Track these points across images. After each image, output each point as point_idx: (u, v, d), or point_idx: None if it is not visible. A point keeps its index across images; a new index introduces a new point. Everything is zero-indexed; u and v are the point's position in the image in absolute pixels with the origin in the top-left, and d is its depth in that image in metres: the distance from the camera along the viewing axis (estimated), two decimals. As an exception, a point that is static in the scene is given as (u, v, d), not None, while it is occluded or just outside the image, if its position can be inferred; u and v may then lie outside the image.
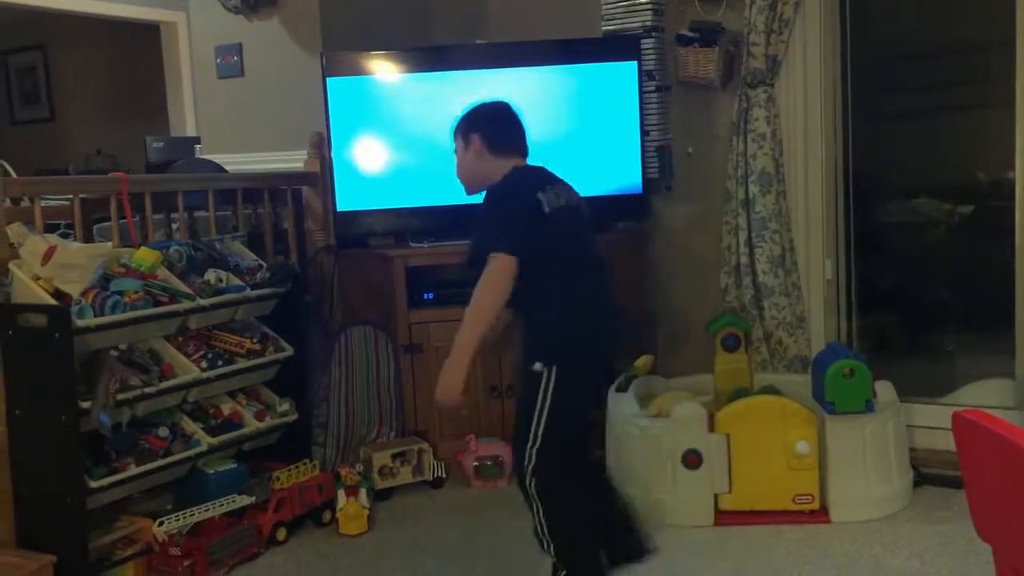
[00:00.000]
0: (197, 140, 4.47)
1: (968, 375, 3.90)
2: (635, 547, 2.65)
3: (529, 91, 3.67)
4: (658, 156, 3.94)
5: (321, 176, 3.87)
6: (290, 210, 3.81)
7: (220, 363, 3.11)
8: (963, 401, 3.69)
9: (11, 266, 2.78)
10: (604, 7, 3.95)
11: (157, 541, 2.85)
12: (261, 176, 3.83)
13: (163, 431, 2.95)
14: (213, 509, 2.95)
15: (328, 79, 3.72)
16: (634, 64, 3.79)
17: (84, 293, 2.73)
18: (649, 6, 3.86)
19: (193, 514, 2.91)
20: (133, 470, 2.83)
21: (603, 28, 3.96)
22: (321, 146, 3.84)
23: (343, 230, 3.86)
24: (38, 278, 2.75)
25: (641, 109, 3.80)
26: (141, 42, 5.58)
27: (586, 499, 2.54)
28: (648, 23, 3.88)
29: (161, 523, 2.85)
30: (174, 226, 3.42)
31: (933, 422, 3.49)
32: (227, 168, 3.93)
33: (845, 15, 3.83)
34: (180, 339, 3.09)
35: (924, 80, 4.41)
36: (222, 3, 4.15)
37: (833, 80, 3.82)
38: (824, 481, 3.16)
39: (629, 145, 3.81)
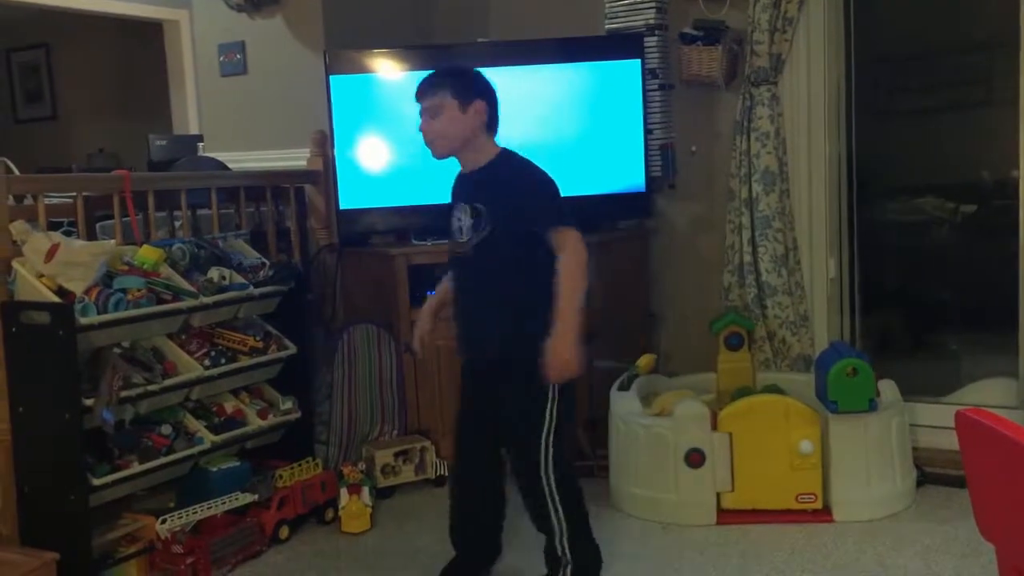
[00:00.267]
0: (200, 138, 4.47)
1: (972, 374, 3.89)
2: (490, 554, 2.78)
3: (532, 89, 3.66)
4: (661, 155, 3.94)
5: (324, 174, 3.87)
6: (293, 208, 3.81)
7: (223, 361, 3.11)
8: (966, 400, 3.69)
9: (14, 264, 2.78)
10: (607, 5, 3.94)
11: (160, 539, 2.85)
12: (264, 174, 3.83)
13: (166, 429, 2.96)
14: (216, 507, 2.96)
15: (331, 77, 3.72)
16: (637, 62, 3.78)
17: (87, 291, 2.73)
18: (653, 4, 3.86)
19: (196, 512, 2.91)
20: (136, 468, 2.83)
21: (606, 26, 3.95)
22: (324, 144, 3.84)
23: (346, 228, 3.85)
24: (41, 276, 2.76)
25: (644, 107, 3.79)
26: (144, 40, 5.58)
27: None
28: (651, 21, 3.87)
29: (164, 521, 2.85)
30: (177, 224, 3.42)
31: (936, 421, 3.48)
32: (230, 166, 3.93)
33: (849, 14, 3.83)
34: (183, 337, 3.10)
35: (928, 79, 4.40)
36: (225, 1, 4.15)
37: (837, 79, 3.82)
38: (827, 480, 3.16)
39: (632, 143, 3.80)
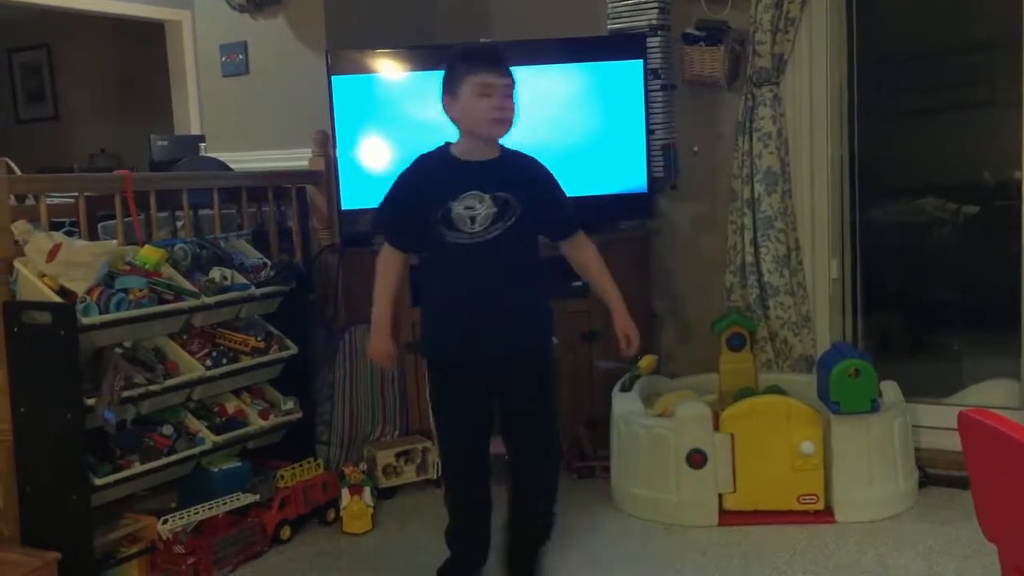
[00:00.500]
0: (202, 138, 4.47)
1: (974, 375, 3.89)
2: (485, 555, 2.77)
3: (534, 89, 3.65)
4: (663, 155, 3.93)
5: (326, 174, 3.87)
6: (295, 208, 3.81)
7: (224, 361, 3.11)
8: (969, 401, 3.68)
9: (16, 264, 2.78)
10: (610, 5, 3.94)
11: (161, 539, 2.85)
12: (266, 174, 3.83)
13: (167, 429, 2.96)
14: (217, 507, 2.96)
15: (333, 77, 3.72)
16: (640, 63, 3.78)
17: (89, 291, 2.73)
18: (655, 4, 3.85)
19: (197, 512, 2.91)
20: (137, 468, 2.83)
21: (609, 26, 3.95)
22: (326, 144, 3.84)
23: (347, 228, 3.86)
24: (43, 276, 2.76)
25: (646, 108, 3.79)
26: (146, 40, 5.58)
27: None
28: (654, 21, 3.87)
29: (165, 521, 2.85)
30: (179, 224, 3.42)
31: (939, 422, 3.48)
32: (232, 166, 3.93)
33: (852, 14, 3.82)
34: (184, 337, 3.10)
35: (930, 79, 4.40)
36: (227, 1, 4.15)
37: (839, 79, 3.82)
38: (829, 481, 3.15)
39: (634, 144, 3.80)
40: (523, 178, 2.52)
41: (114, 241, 3.03)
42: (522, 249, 2.53)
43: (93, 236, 3.07)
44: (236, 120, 4.29)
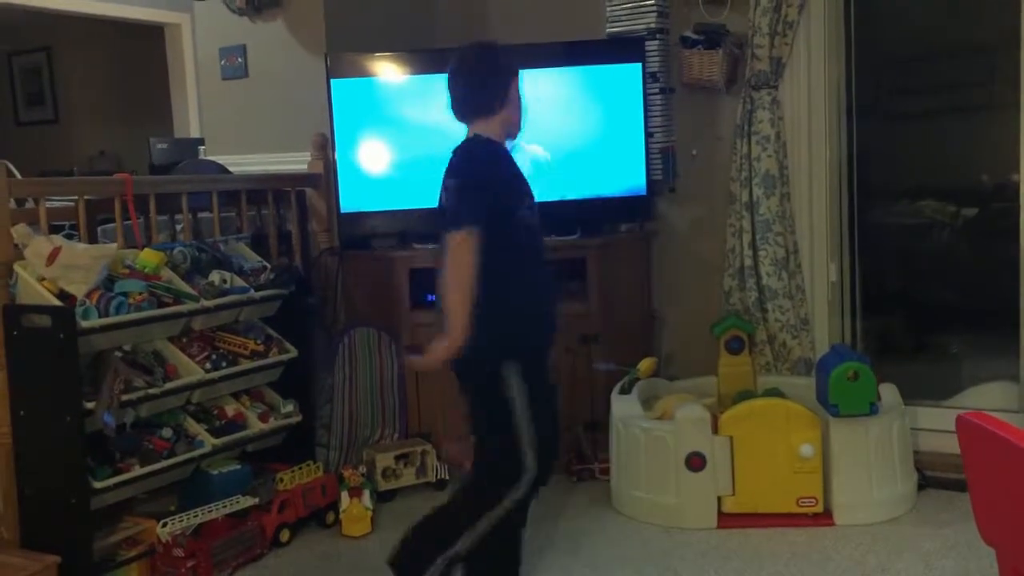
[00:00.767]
0: (201, 141, 4.48)
1: (973, 378, 3.89)
2: None
3: (533, 93, 3.65)
4: (662, 158, 3.94)
5: (325, 177, 3.87)
6: (294, 211, 3.81)
7: (224, 364, 3.11)
8: (967, 404, 3.68)
9: (16, 267, 2.78)
10: (608, 9, 3.95)
11: (161, 542, 2.85)
12: (265, 177, 3.83)
13: (167, 432, 2.96)
14: (217, 510, 2.96)
15: (332, 80, 3.73)
16: (638, 66, 3.79)
17: (88, 294, 2.74)
18: (654, 8, 3.86)
19: (197, 515, 2.91)
20: (137, 471, 2.83)
21: (607, 30, 3.96)
22: (325, 147, 3.85)
23: (347, 231, 3.86)
24: (43, 279, 2.76)
25: (645, 111, 3.80)
26: (145, 44, 5.59)
27: None
28: (652, 25, 3.88)
29: (165, 524, 2.85)
30: (178, 227, 3.42)
31: (937, 425, 3.48)
32: (231, 169, 3.93)
33: (849, 17, 3.83)
34: (184, 340, 3.10)
35: (929, 82, 4.40)
36: (226, 5, 4.15)
37: (837, 82, 3.82)
38: (828, 484, 3.16)
39: (633, 147, 3.81)
40: None
41: (114, 244, 3.03)
42: None
43: (93, 239, 3.07)
44: (235, 123, 4.29)
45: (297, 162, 3.96)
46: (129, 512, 2.98)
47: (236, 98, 4.27)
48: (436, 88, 3.80)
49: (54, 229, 2.99)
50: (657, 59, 3.89)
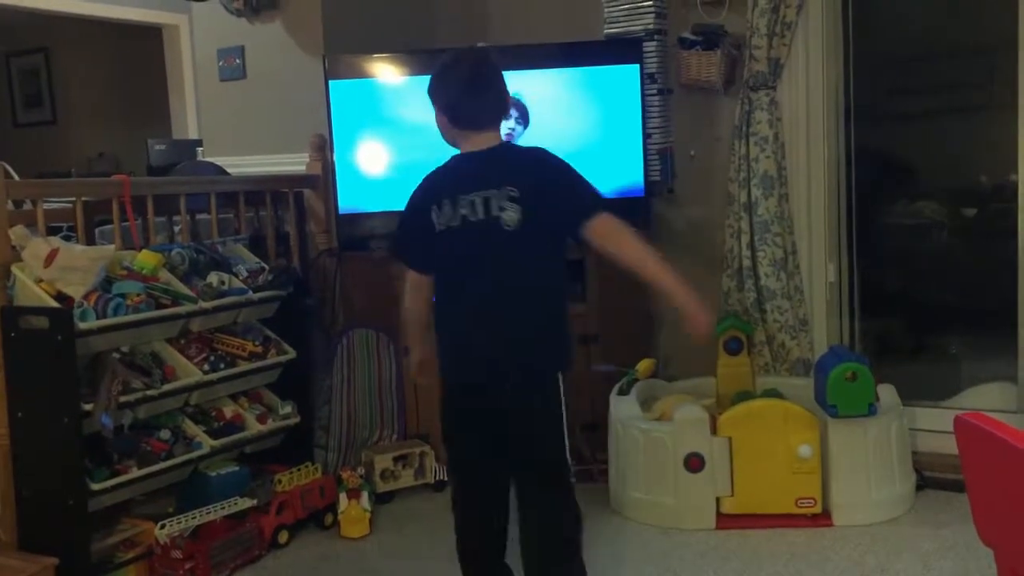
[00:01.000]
0: (199, 143, 4.47)
1: (971, 378, 3.89)
2: None
3: (531, 94, 3.67)
4: (660, 159, 3.94)
5: (323, 178, 3.87)
6: (292, 213, 3.81)
7: (222, 366, 3.11)
8: (966, 404, 3.68)
9: (13, 269, 2.78)
10: (606, 10, 3.94)
11: (159, 544, 2.85)
12: (263, 179, 3.83)
13: (165, 434, 2.95)
14: (215, 512, 2.96)
15: (330, 82, 3.72)
16: (636, 67, 3.78)
17: (86, 296, 2.73)
18: (651, 9, 3.86)
19: (195, 517, 2.91)
20: (135, 472, 2.83)
21: (605, 31, 3.96)
22: (323, 148, 3.85)
23: (345, 232, 3.86)
24: (40, 281, 2.76)
25: (643, 112, 3.79)
26: (143, 45, 5.58)
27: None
28: (650, 26, 3.87)
29: (163, 526, 2.85)
30: (176, 229, 3.42)
31: (936, 426, 3.48)
32: (229, 171, 3.93)
33: (848, 18, 3.83)
34: (182, 342, 3.10)
35: (927, 83, 4.40)
36: (224, 6, 4.15)
37: (835, 83, 3.82)
38: (826, 485, 3.16)
39: (631, 148, 3.80)
40: None
41: (112, 246, 3.03)
42: None
43: (91, 241, 3.07)
44: (233, 124, 4.29)
45: (295, 163, 3.96)
46: (127, 514, 2.98)
47: (234, 99, 4.27)
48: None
49: (52, 231, 2.99)
50: (655, 60, 3.89)
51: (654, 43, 3.88)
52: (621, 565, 2.94)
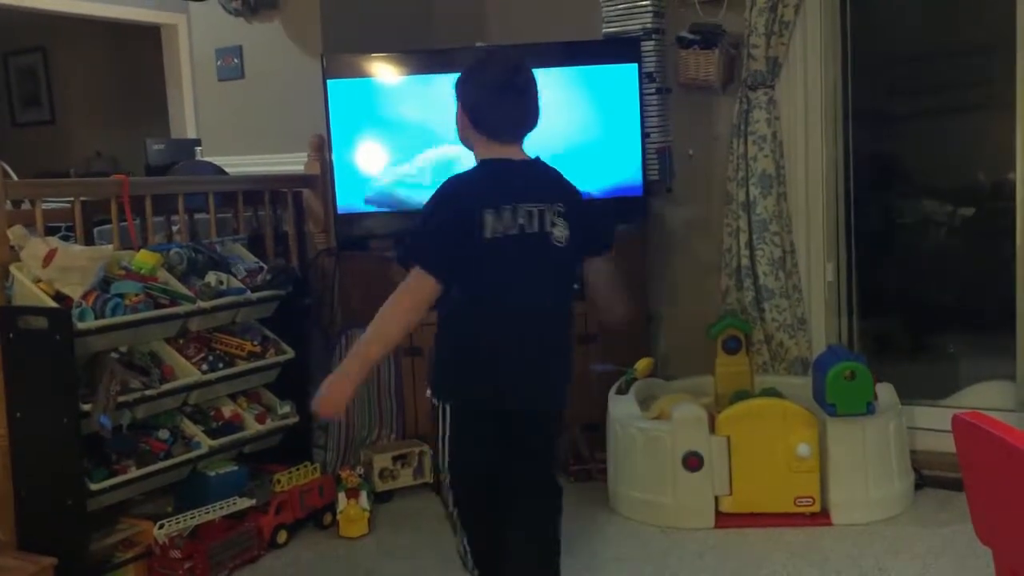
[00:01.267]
0: (197, 142, 4.46)
1: (969, 377, 3.89)
2: None
3: (530, 93, 3.66)
4: (658, 158, 3.94)
5: (322, 178, 3.87)
6: (291, 212, 3.81)
7: (221, 365, 3.11)
8: (964, 403, 3.68)
9: (12, 269, 2.78)
10: (604, 9, 3.94)
11: (158, 543, 2.85)
12: (262, 178, 3.83)
13: (164, 433, 2.95)
14: (214, 512, 2.95)
15: (328, 81, 3.72)
16: (634, 66, 3.78)
17: (85, 295, 2.73)
18: (650, 8, 3.86)
19: (194, 516, 2.91)
20: (134, 472, 2.83)
21: (603, 30, 3.96)
22: (322, 148, 3.84)
23: (344, 232, 3.85)
24: (39, 281, 2.76)
25: (641, 111, 3.79)
26: (142, 44, 5.57)
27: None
28: (648, 25, 3.88)
29: (162, 525, 2.85)
30: (174, 228, 3.42)
31: (934, 424, 3.48)
32: (228, 170, 3.93)
33: (846, 17, 3.83)
34: (181, 341, 3.09)
35: (925, 82, 4.40)
36: (222, 5, 4.15)
37: (834, 82, 3.83)
38: (825, 483, 3.16)
39: (629, 147, 3.80)
40: None
41: (110, 246, 3.03)
42: None
43: (89, 241, 3.07)
44: (232, 124, 4.29)
45: (294, 163, 3.96)
46: (126, 514, 2.98)
47: (233, 99, 4.27)
48: (433, 89, 3.82)
49: (50, 231, 2.99)
50: (653, 59, 3.89)
51: (652, 42, 3.89)
52: (619, 564, 2.94)
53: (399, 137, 3.76)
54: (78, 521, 2.70)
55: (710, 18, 3.81)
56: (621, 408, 3.37)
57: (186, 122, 5.02)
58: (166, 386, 2.93)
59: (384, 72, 3.80)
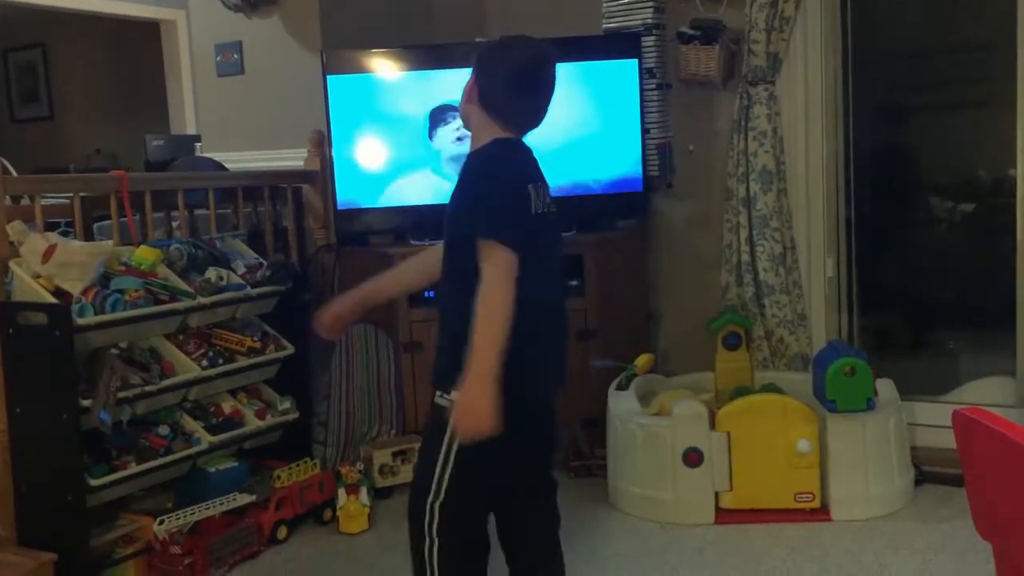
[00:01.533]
0: (197, 138, 4.46)
1: (969, 373, 3.89)
2: None
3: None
4: (659, 154, 3.94)
5: (321, 174, 3.87)
6: (290, 208, 3.81)
7: (221, 361, 3.10)
8: (964, 399, 3.69)
9: (11, 264, 2.78)
10: (605, 5, 3.94)
11: (158, 539, 2.85)
12: (261, 174, 3.82)
13: (163, 429, 2.96)
14: (214, 507, 2.95)
15: (328, 77, 3.72)
16: (635, 62, 3.78)
17: (84, 291, 2.73)
18: (650, 4, 3.85)
19: (194, 512, 2.91)
20: (133, 468, 2.83)
21: (604, 26, 3.95)
22: (321, 144, 3.84)
23: (343, 228, 3.85)
24: (38, 276, 2.75)
25: (642, 107, 3.79)
26: (141, 40, 5.56)
27: None
28: (649, 21, 3.87)
29: (162, 521, 2.85)
30: (174, 224, 3.41)
31: (934, 420, 3.49)
32: (227, 166, 3.92)
33: (846, 12, 3.83)
34: (181, 337, 3.09)
35: (926, 78, 4.40)
36: (222, 1, 4.14)
37: (834, 77, 3.82)
38: (825, 479, 3.16)
39: (630, 143, 3.80)
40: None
41: (110, 242, 3.03)
42: (446, 270, 2.16)
43: (89, 237, 3.06)
44: (232, 120, 4.28)
45: (294, 158, 3.95)
46: (126, 509, 2.98)
47: (232, 95, 4.26)
48: (433, 84, 3.82)
49: (50, 226, 2.98)
50: (654, 55, 3.89)
51: (653, 38, 3.88)
52: (619, 560, 2.94)
53: (399, 133, 3.75)
54: (78, 517, 2.70)
55: (711, 14, 3.80)
56: (621, 404, 3.37)
57: (186, 118, 5.01)
58: (166, 382, 2.93)
59: (384, 68, 3.79)
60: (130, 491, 2.97)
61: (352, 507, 3.22)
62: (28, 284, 2.74)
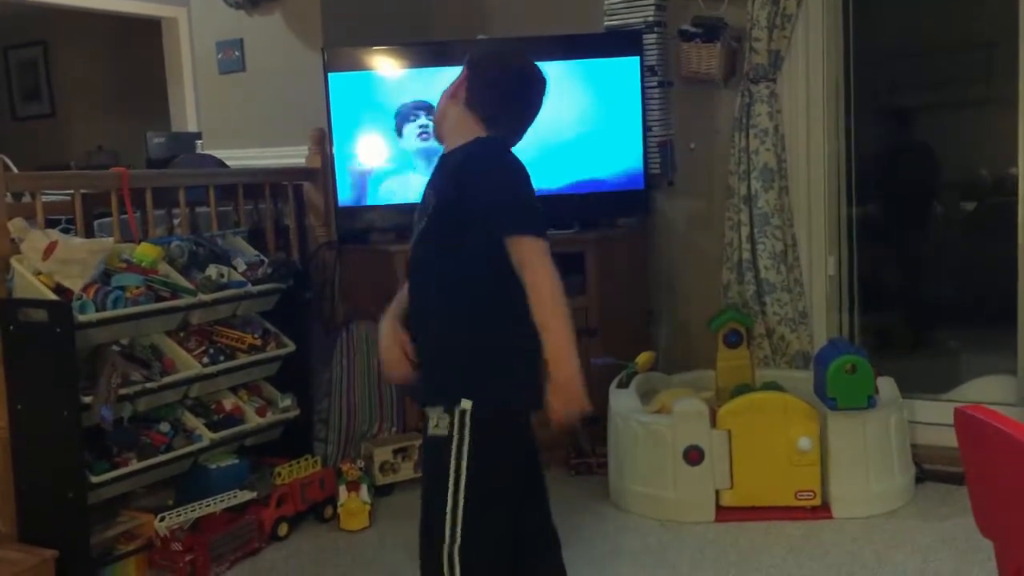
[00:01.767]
0: (198, 136, 4.46)
1: (971, 371, 3.89)
2: None
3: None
4: (660, 151, 3.93)
5: (322, 171, 3.87)
6: (291, 205, 3.81)
7: (221, 358, 3.11)
8: (966, 397, 3.69)
9: (12, 261, 2.78)
10: (606, 2, 3.94)
11: (159, 536, 2.85)
12: (262, 171, 3.82)
13: (164, 426, 2.96)
14: (214, 504, 2.96)
15: (329, 74, 3.72)
16: (636, 59, 3.78)
17: (85, 288, 2.73)
18: (652, 1, 3.85)
19: (194, 509, 2.91)
20: (134, 465, 2.84)
21: (605, 23, 3.95)
22: (322, 141, 3.84)
23: (344, 225, 3.85)
24: (39, 273, 2.75)
25: (643, 104, 3.79)
26: (142, 37, 5.56)
27: None
28: (650, 18, 3.87)
29: (163, 518, 2.85)
30: (175, 221, 3.41)
31: (935, 418, 3.49)
32: (228, 163, 3.92)
33: (848, 11, 3.83)
34: (181, 334, 3.10)
35: (927, 77, 4.40)
36: (224, -2, 4.14)
37: (836, 76, 3.82)
38: (826, 477, 3.16)
39: (631, 140, 3.80)
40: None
41: (111, 239, 3.03)
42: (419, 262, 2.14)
43: (89, 233, 3.06)
44: (233, 117, 4.28)
45: (295, 156, 3.95)
46: (127, 506, 2.98)
47: (233, 92, 4.26)
48: (434, 82, 3.81)
49: (51, 223, 2.98)
50: (655, 52, 3.88)
51: (654, 35, 3.88)
52: (620, 558, 2.94)
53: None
54: (79, 513, 2.70)
55: (712, 11, 3.80)
56: (622, 402, 3.37)
57: (187, 115, 5.01)
58: (167, 379, 2.93)
59: (385, 65, 3.79)
60: (131, 488, 2.97)
61: (353, 504, 3.22)
62: (29, 281, 2.74)
